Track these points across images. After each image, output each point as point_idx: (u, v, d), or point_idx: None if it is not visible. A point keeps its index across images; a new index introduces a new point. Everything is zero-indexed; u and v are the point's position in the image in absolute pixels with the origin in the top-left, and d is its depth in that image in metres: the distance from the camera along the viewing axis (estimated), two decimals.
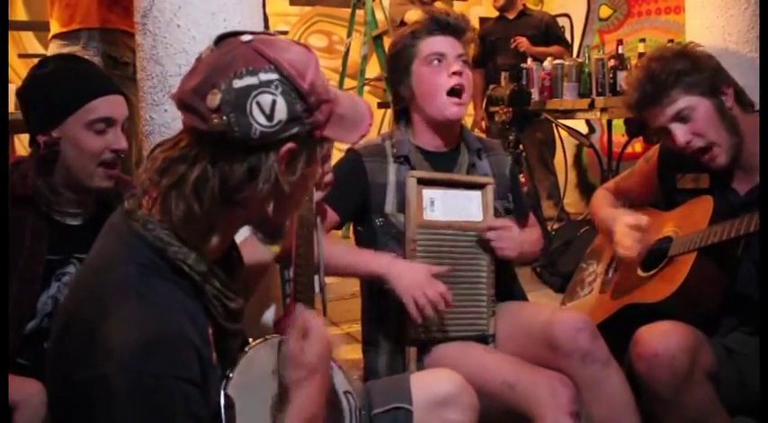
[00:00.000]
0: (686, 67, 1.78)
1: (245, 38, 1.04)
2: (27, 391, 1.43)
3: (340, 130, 1.09)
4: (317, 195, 1.61)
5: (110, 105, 1.61)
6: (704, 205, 1.85)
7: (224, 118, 0.98)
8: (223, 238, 1.11)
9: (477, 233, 1.87)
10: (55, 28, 2.89)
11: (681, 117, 1.78)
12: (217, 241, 1.09)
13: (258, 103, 0.99)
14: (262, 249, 1.54)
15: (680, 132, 1.79)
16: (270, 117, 1.00)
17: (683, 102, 1.77)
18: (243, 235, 1.22)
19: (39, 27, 3.00)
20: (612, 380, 1.70)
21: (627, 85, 1.91)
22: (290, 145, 1.03)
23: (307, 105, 1.02)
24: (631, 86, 1.86)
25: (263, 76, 1.00)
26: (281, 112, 1.00)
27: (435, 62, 1.88)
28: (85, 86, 1.60)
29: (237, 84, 0.99)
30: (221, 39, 1.06)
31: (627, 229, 1.90)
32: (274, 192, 1.05)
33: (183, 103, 1.03)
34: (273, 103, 0.99)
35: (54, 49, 2.88)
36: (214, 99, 0.98)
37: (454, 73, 1.86)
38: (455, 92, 1.87)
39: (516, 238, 1.86)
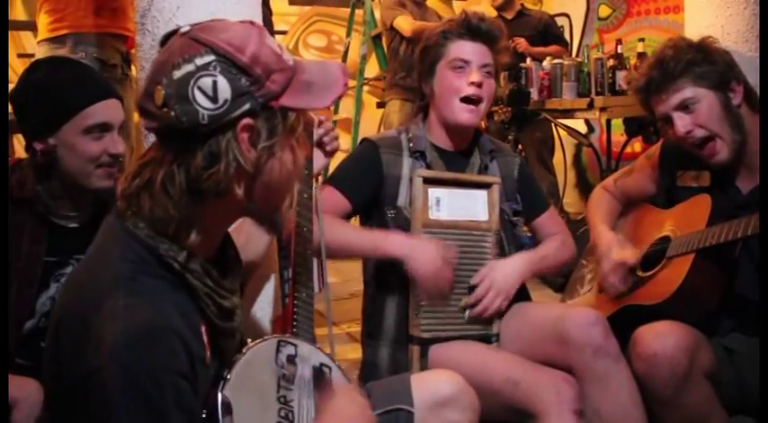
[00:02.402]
0: (698, 59, 1.79)
1: (184, 29, 1.04)
2: (25, 390, 1.44)
3: (307, 97, 1.07)
4: (317, 190, 1.62)
5: (106, 110, 1.59)
6: (702, 204, 1.85)
7: (171, 112, 0.98)
8: (207, 234, 1.09)
9: (481, 233, 1.87)
10: (42, 33, 2.88)
11: (684, 106, 1.79)
12: (199, 238, 1.07)
13: (199, 88, 0.98)
14: (258, 231, 1.54)
15: (681, 122, 1.79)
16: (214, 99, 0.99)
17: (689, 91, 1.78)
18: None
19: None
20: (622, 375, 1.70)
21: (637, 71, 1.93)
22: (245, 121, 1.02)
23: (252, 78, 1.01)
24: (641, 71, 1.87)
25: (199, 61, 0.99)
26: (225, 92, 0.99)
27: (459, 68, 1.87)
28: (80, 93, 1.58)
29: (177, 74, 0.99)
30: (166, 39, 1.06)
31: (614, 265, 1.93)
32: (240, 173, 1.03)
33: (139, 107, 1.04)
34: (214, 83, 0.99)
35: (42, 52, 2.87)
36: (159, 96, 0.99)
37: (473, 83, 1.86)
38: (470, 100, 1.88)
39: (501, 288, 1.83)
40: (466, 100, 1.87)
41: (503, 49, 1.94)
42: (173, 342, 0.99)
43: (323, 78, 1.10)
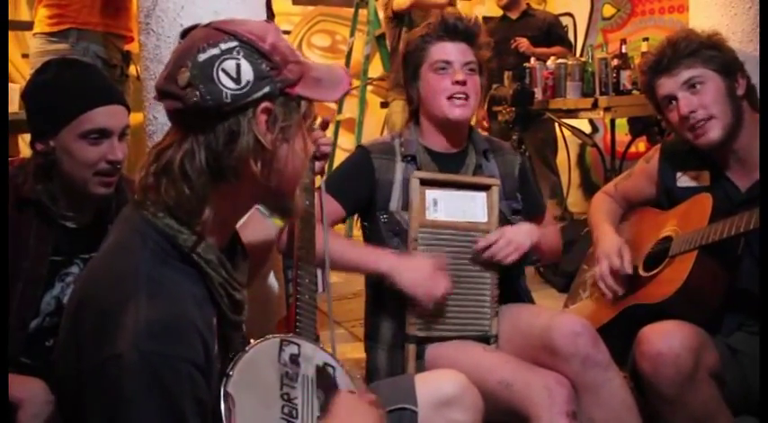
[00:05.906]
0: (709, 44, 1.85)
1: (204, 24, 1.09)
2: (31, 390, 1.44)
3: (317, 90, 1.13)
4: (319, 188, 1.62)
5: (105, 116, 1.58)
6: (703, 203, 1.85)
7: (196, 92, 1.03)
8: (222, 224, 1.12)
9: (480, 234, 1.86)
10: (40, 26, 2.87)
11: (692, 85, 1.83)
12: (215, 227, 1.10)
13: (224, 70, 1.03)
14: (265, 224, 1.54)
15: (685, 102, 1.82)
16: (237, 80, 1.04)
17: (698, 70, 1.83)
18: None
19: None
20: (613, 383, 1.69)
21: (648, 52, 1.98)
22: (265, 104, 1.07)
23: (272, 64, 1.06)
24: (652, 52, 1.93)
25: (224, 46, 1.04)
26: (248, 74, 1.04)
27: (441, 69, 1.90)
28: (81, 97, 1.57)
29: (201, 58, 1.03)
30: (186, 32, 1.11)
31: (610, 271, 1.93)
32: (258, 152, 1.07)
33: (160, 91, 1.08)
34: (238, 66, 1.04)
35: (38, 45, 2.86)
36: (184, 77, 1.03)
37: (457, 82, 1.88)
38: (457, 97, 1.89)
39: (513, 238, 1.83)
40: (453, 97, 1.89)
41: (483, 44, 1.96)
42: (192, 336, 1.02)
43: (330, 76, 1.16)
